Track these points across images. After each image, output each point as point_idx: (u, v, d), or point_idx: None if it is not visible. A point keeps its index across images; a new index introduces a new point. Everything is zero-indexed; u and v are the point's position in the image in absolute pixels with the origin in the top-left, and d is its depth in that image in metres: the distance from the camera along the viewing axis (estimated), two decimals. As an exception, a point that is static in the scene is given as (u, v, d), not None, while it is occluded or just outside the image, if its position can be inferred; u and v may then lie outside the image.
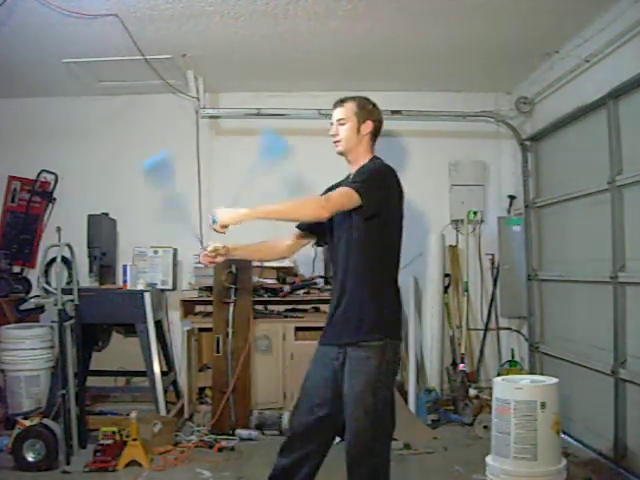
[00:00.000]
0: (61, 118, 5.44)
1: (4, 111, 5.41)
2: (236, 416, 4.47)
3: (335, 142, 2.62)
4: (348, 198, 2.38)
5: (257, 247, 2.83)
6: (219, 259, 2.59)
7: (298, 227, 2.76)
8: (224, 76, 5.08)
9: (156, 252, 5.03)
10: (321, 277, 5.09)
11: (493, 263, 5.39)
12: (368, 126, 2.61)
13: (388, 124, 5.21)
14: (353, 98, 2.64)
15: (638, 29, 3.47)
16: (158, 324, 4.84)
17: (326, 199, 2.40)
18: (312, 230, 2.73)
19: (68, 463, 3.70)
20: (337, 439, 2.72)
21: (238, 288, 4.59)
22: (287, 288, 4.96)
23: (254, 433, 4.38)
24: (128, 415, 3.83)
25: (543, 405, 2.96)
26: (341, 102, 2.63)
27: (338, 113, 2.61)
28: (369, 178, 2.47)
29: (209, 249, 2.54)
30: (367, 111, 2.62)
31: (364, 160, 2.62)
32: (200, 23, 3.98)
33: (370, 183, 2.44)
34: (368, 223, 2.46)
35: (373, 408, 2.41)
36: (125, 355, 4.99)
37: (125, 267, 4.70)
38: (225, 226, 2.37)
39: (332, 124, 2.63)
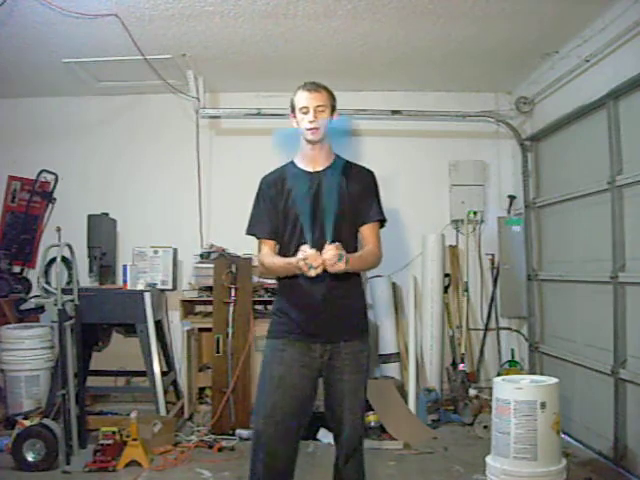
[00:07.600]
0: (61, 118, 5.44)
1: (4, 111, 5.41)
2: (236, 416, 4.47)
3: (312, 129, 2.44)
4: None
5: None
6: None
7: (272, 238, 2.52)
8: (224, 76, 5.07)
9: (156, 252, 5.03)
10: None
11: (493, 263, 5.38)
12: (336, 117, 2.53)
13: (388, 124, 5.31)
14: (325, 87, 2.51)
15: (638, 29, 3.47)
16: (158, 324, 4.84)
17: (379, 250, 2.53)
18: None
19: (68, 463, 3.69)
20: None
21: (238, 288, 4.59)
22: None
23: (254, 433, 4.38)
24: (128, 415, 3.83)
25: (543, 405, 2.96)
26: (317, 88, 2.47)
27: (317, 99, 2.44)
28: (379, 197, 2.57)
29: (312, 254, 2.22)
30: (336, 102, 2.54)
31: (331, 153, 2.54)
32: (200, 23, 3.98)
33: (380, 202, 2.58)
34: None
35: (363, 400, 2.51)
36: (125, 355, 4.99)
37: (125, 267, 4.71)
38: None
39: (306, 109, 2.44)
